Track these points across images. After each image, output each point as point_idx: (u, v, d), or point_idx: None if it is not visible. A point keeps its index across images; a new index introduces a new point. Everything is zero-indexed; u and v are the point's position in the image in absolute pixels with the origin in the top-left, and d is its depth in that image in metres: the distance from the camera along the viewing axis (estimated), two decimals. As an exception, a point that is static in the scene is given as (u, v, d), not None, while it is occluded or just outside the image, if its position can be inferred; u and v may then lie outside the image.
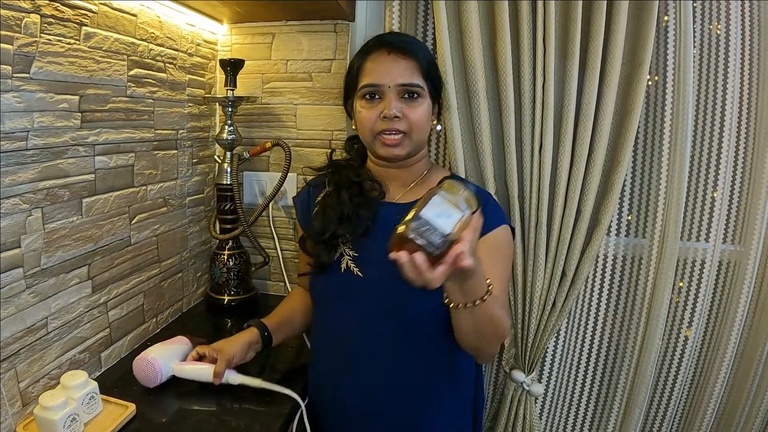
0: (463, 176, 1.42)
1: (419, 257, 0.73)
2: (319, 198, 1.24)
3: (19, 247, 0.97)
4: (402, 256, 0.75)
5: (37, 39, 0.97)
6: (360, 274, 1.13)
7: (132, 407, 1.05)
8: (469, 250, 0.75)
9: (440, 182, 0.81)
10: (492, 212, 1.17)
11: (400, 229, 0.75)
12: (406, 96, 1.12)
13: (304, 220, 1.27)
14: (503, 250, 1.16)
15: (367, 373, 1.13)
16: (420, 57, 1.13)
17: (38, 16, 0.97)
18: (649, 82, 1.46)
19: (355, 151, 1.31)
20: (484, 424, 1.66)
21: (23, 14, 0.93)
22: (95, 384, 1.03)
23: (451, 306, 0.90)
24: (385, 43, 1.14)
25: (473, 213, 0.79)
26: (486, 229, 1.10)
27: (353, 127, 1.24)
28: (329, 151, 1.36)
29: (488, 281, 0.90)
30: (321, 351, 1.23)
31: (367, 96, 1.14)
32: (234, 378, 1.13)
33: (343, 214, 1.16)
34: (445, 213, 0.75)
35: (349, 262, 1.14)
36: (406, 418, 1.14)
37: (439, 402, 1.16)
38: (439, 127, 1.26)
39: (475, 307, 0.88)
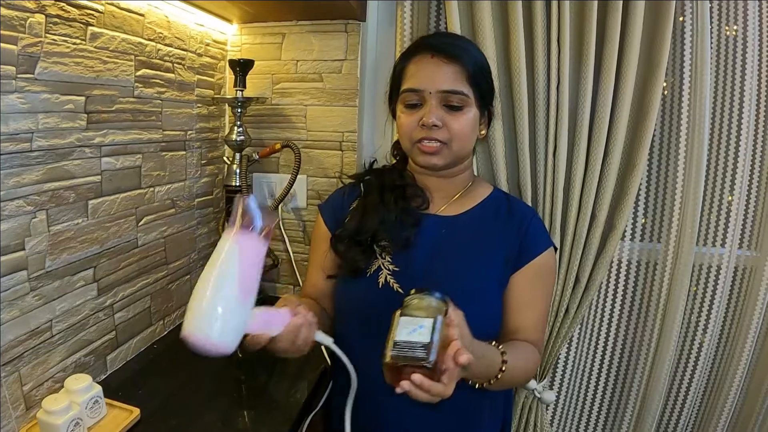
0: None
1: (416, 377, 0.74)
2: (355, 203, 1.19)
3: (23, 249, 0.96)
4: (404, 385, 0.75)
5: (41, 39, 0.96)
6: (401, 290, 1.06)
7: (136, 412, 1.04)
8: (463, 344, 0.77)
9: (403, 301, 0.84)
10: (535, 235, 1.13)
11: (386, 361, 0.76)
12: (449, 104, 1.05)
13: (334, 221, 1.20)
14: (546, 278, 1.15)
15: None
16: (467, 61, 1.05)
17: (43, 16, 0.95)
18: (665, 84, 1.42)
19: (401, 155, 1.24)
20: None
21: (27, 14, 0.92)
22: (99, 388, 1.02)
23: (476, 386, 0.97)
24: (429, 46, 1.07)
25: (447, 310, 0.81)
26: (529, 256, 1.11)
27: (396, 131, 1.19)
28: (371, 159, 1.29)
29: (502, 351, 0.95)
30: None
31: (408, 101, 1.08)
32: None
33: (385, 217, 1.10)
34: (416, 328, 0.77)
35: (389, 276, 1.07)
36: None
37: (479, 416, 1.12)
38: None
39: (497, 380, 0.95)
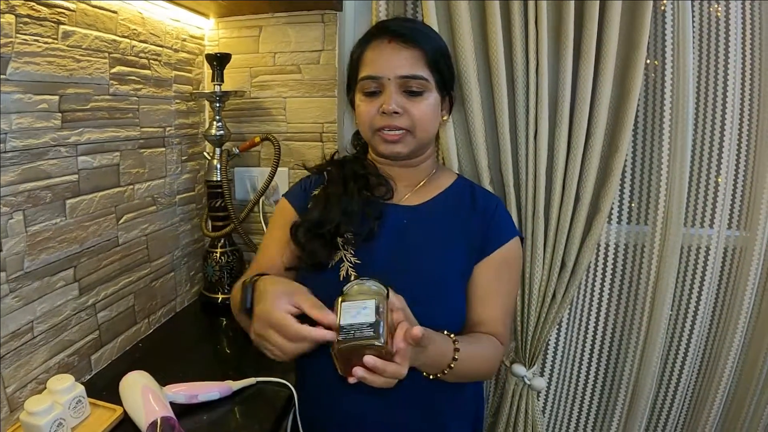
0: (456, 166, 1.40)
1: (369, 359, 0.73)
2: (317, 190, 1.16)
3: (1, 250, 0.95)
4: (357, 371, 0.74)
5: (12, 39, 0.95)
6: None
7: (120, 411, 1.04)
8: (411, 322, 0.79)
9: (342, 290, 0.83)
10: (500, 224, 1.12)
11: (334, 349, 0.75)
12: (409, 89, 1.03)
13: (301, 207, 1.16)
14: (511, 266, 1.13)
15: (370, 392, 0.99)
16: (425, 45, 1.04)
17: (13, 17, 0.95)
18: (647, 63, 1.41)
19: (362, 146, 1.23)
20: (485, 422, 1.63)
21: (-4, 14, 0.91)
22: (82, 387, 1.01)
23: (430, 377, 0.95)
24: (387, 30, 1.05)
25: (388, 295, 0.81)
26: (494, 245, 1.09)
27: (356, 121, 1.16)
28: (333, 151, 1.27)
29: (453, 339, 0.94)
30: (313, 368, 1.10)
31: (367, 89, 1.06)
32: None
33: (349, 207, 1.06)
34: (359, 310, 0.76)
35: (350, 269, 1.04)
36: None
37: (444, 414, 1.09)
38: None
39: (452, 370, 0.93)
